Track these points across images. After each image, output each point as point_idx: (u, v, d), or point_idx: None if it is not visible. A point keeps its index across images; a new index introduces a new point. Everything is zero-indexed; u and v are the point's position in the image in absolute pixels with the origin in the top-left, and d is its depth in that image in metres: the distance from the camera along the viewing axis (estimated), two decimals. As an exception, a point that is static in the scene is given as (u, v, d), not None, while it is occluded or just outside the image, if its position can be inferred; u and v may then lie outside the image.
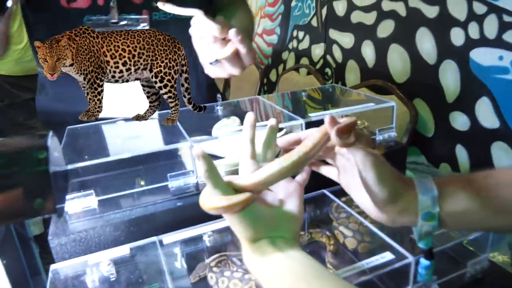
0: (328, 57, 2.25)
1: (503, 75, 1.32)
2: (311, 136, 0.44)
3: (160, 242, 0.67)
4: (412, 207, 0.45)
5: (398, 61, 1.74)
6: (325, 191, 0.78)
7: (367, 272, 0.57)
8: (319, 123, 0.76)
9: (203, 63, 0.63)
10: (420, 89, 1.66)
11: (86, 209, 0.68)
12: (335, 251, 0.70)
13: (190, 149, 0.72)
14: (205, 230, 0.69)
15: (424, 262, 0.50)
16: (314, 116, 0.81)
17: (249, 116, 0.53)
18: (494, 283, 0.66)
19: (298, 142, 0.50)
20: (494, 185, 0.44)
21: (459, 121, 1.51)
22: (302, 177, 0.52)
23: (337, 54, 2.16)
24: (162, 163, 0.76)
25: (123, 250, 0.66)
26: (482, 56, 1.38)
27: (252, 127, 0.52)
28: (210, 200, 0.40)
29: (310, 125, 0.79)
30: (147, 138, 0.81)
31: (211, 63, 0.60)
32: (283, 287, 0.40)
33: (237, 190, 0.42)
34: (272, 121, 0.54)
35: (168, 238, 0.68)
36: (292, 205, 0.48)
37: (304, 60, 2.49)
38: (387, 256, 0.59)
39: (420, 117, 1.67)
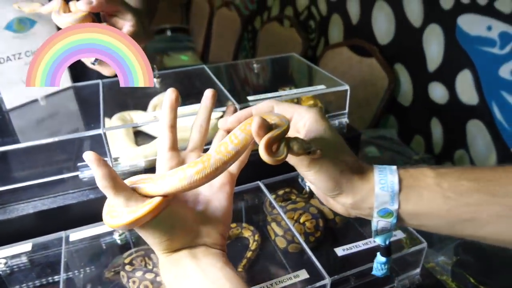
0: (313, 8, 2.10)
1: (489, 47, 1.22)
2: (234, 137, 0.37)
3: (67, 238, 0.63)
4: (369, 201, 0.40)
5: (382, 20, 1.62)
6: (260, 183, 0.73)
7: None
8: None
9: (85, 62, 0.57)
10: (402, 53, 1.56)
11: (-16, 201, 0.63)
12: (253, 252, 0.66)
13: (104, 136, 0.65)
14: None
15: (380, 258, 0.45)
16: (252, 100, 0.74)
17: (170, 95, 0.45)
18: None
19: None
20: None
21: (438, 92, 1.43)
22: (235, 165, 0.45)
23: (322, 6, 2.01)
24: (77, 148, 0.69)
25: (25, 247, 0.62)
26: (469, 24, 1.27)
27: (172, 110, 0.44)
28: (113, 215, 0.35)
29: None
30: (63, 118, 0.75)
31: (92, 63, 0.52)
32: None
33: (145, 195, 0.36)
34: (207, 94, 0.46)
35: (77, 234, 0.63)
36: (218, 203, 0.42)
37: (289, 10, 2.33)
38: (301, 275, 0.55)
39: (400, 84, 1.58)
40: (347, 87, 0.78)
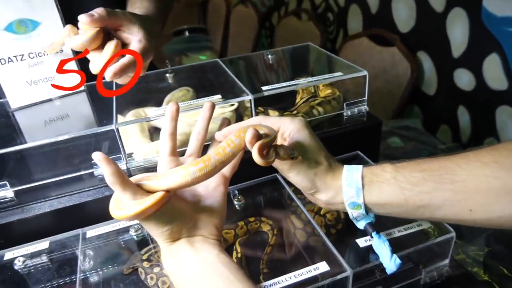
0: (330, 0, 2.06)
1: (518, 28, 1.16)
2: (231, 142, 0.43)
3: (84, 235, 0.63)
4: (339, 197, 0.48)
5: (403, 7, 1.57)
6: (278, 176, 0.72)
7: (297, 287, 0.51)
8: (271, 98, 0.73)
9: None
10: (424, 40, 1.50)
11: (1, 201, 0.64)
12: (272, 247, 0.64)
13: (116, 131, 0.64)
14: (133, 222, 0.65)
15: (382, 254, 0.51)
16: (267, 90, 0.72)
17: (171, 107, 0.51)
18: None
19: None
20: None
21: (464, 79, 1.37)
22: (228, 168, 0.51)
23: (340, -4, 1.98)
24: (93, 146, 0.69)
25: (42, 245, 0.62)
26: (496, 5, 1.21)
27: (172, 120, 0.51)
28: (120, 208, 0.39)
29: (259, 101, 0.71)
30: (77, 117, 0.76)
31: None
32: None
33: (149, 190, 0.41)
34: (206, 106, 0.53)
35: (93, 231, 0.64)
36: (213, 200, 0.47)
37: (306, 3, 2.30)
38: (322, 267, 0.52)
39: (423, 72, 1.53)
40: (365, 72, 0.76)
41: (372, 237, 0.52)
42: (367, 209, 0.48)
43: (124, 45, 0.59)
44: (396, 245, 0.52)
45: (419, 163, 0.46)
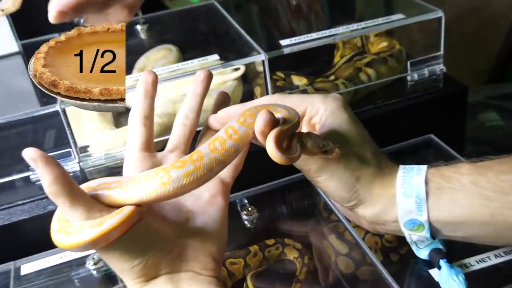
0: None
1: None
2: (233, 131, 0.42)
3: (17, 271, 0.63)
4: (392, 212, 0.47)
5: None
6: None
7: None
8: (296, 58, 0.72)
9: None
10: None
11: None
12: (302, 284, 0.64)
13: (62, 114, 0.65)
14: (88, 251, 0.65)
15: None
16: (287, 45, 0.71)
17: (145, 77, 0.51)
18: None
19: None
20: None
21: None
22: (228, 171, 0.51)
23: None
24: (30, 137, 0.70)
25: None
26: None
27: (147, 96, 0.51)
28: (67, 231, 0.38)
29: (278, 63, 0.71)
30: (5, 92, 0.77)
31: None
32: None
33: (111, 205, 0.40)
34: (198, 77, 0.53)
35: (31, 265, 0.64)
36: (208, 217, 0.47)
37: None
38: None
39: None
40: (440, 13, 0.75)
41: (439, 268, 0.51)
42: (433, 231, 0.47)
43: None
44: (475, 283, 0.51)
45: (508, 160, 0.46)
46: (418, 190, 0.45)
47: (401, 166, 0.48)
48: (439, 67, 0.78)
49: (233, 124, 0.42)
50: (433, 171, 0.46)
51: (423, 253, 0.51)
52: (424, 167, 0.47)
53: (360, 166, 0.47)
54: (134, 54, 0.84)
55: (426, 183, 0.45)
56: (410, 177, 0.46)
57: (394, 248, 0.64)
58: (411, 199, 0.46)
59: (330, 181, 0.47)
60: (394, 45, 0.81)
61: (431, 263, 0.53)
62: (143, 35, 0.87)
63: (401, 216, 0.47)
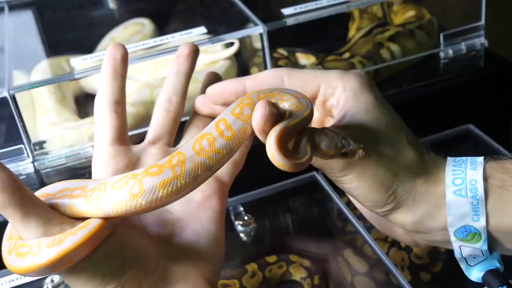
0: None
1: None
2: (225, 127, 0.41)
3: None
4: (439, 217, 0.45)
5: None
6: (317, 176, 0.73)
7: None
8: (301, 31, 0.71)
9: None
10: None
11: None
12: None
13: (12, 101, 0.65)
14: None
15: None
16: (290, 15, 0.71)
17: (112, 53, 0.51)
18: None
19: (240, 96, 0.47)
20: None
21: None
22: (227, 169, 0.51)
23: None
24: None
25: None
26: None
27: (116, 76, 0.50)
28: (20, 252, 0.37)
29: (280, 37, 0.71)
30: None
31: None
32: None
33: (73, 216, 0.39)
34: (181, 52, 0.53)
35: None
36: (200, 227, 0.47)
37: None
38: None
39: None
40: None
41: None
42: (492, 243, 0.45)
43: None
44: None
45: None
46: (474, 189, 0.43)
47: (449, 158, 0.46)
48: (480, 41, 0.78)
49: (226, 116, 0.41)
50: (493, 165, 0.44)
51: (474, 274, 0.48)
52: (481, 158, 0.45)
53: (395, 159, 0.45)
54: (100, 28, 0.84)
55: (485, 179, 0.43)
56: (464, 172, 0.44)
57: (425, 265, 0.65)
58: (466, 200, 0.43)
59: (360, 181, 0.45)
60: (423, 14, 0.82)
61: (479, 285, 0.51)
62: (112, 5, 0.87)
63: (452, 222, 0.44)
